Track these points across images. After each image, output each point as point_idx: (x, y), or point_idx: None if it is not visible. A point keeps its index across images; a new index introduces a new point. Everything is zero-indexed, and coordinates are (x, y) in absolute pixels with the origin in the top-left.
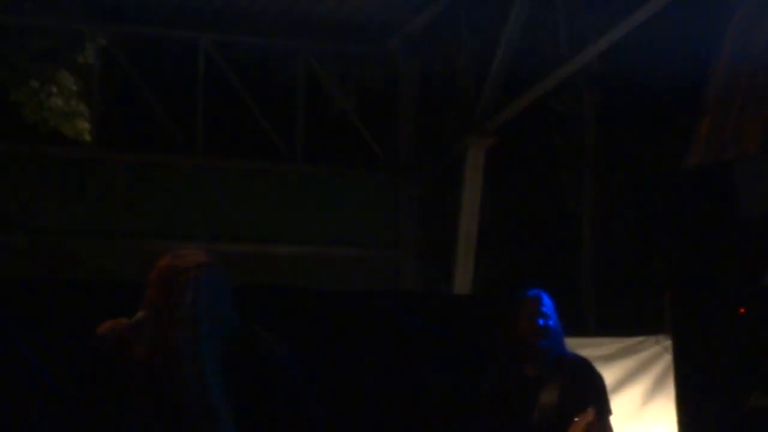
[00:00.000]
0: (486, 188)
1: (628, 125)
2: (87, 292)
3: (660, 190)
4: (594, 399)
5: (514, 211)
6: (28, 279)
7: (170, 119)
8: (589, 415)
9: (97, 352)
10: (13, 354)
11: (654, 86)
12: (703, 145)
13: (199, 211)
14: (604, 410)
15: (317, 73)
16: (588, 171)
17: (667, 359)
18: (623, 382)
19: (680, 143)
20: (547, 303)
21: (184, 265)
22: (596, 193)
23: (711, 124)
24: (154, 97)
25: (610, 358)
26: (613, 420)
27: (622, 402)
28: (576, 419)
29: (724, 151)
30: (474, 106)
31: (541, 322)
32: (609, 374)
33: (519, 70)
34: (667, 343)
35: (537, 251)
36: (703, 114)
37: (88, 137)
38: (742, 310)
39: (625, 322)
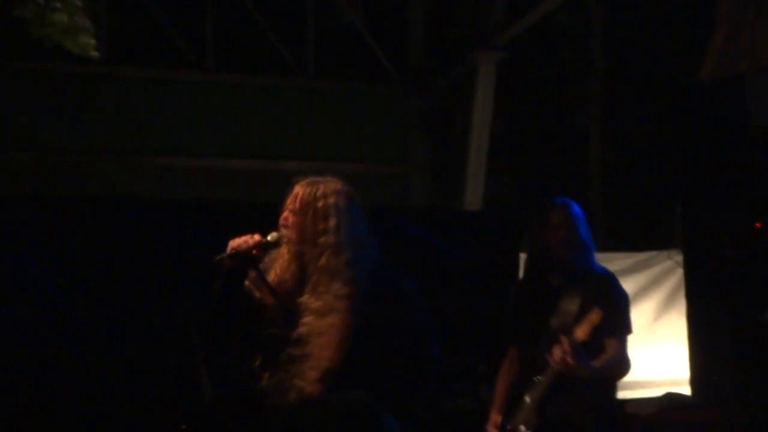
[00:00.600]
0: (495, 103)
1: (637, 38)
2: (98, 209)
3: (671, 104)
4: (612, 312)
5: (522, 125)
6: (37, 196)
7: (179, 35)
8: (594, 315)
9: (229, 265)
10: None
11: None
12: (716, 58)
13: (208, 127)
14: (620, 325)
15: None
16: (596, 85)
17: (679, 274)
18: (635, 297)
19: (690, 56)
20: (575, 213)
21: (324, 191)
22: (605, 107)
23: (724, 36)
24: (163, 13)
25: (621, 273)
26: None
27: (634, 317)
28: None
29: (737, 65)
30: (485, 20)
31: (565, 232)
32: None
33: None
34: (679, 257)
35: (546, 166)
36: (716, 26)
37: (94, 53)
38: (758, 225)
39: (635, 236)
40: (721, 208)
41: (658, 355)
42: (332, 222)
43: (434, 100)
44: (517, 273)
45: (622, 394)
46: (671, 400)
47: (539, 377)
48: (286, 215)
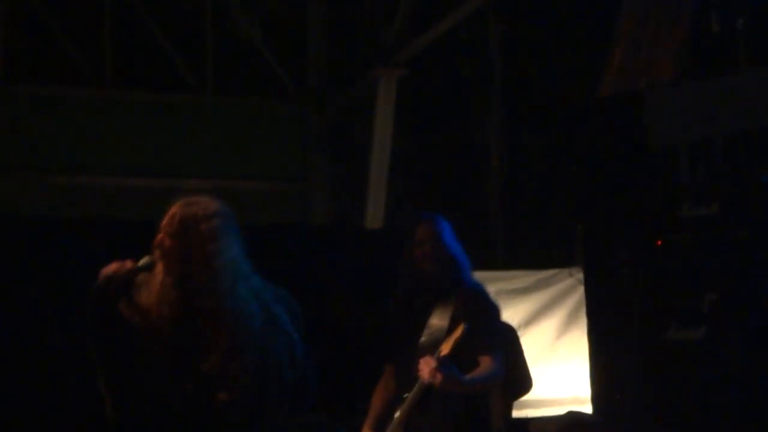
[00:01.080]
0: (396, 120)
1: (537, 54)
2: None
3: (570, 120)
4: (480, 326)
5: (422, 142)
6: None
7: (78, 51)
8: (458, 330)
9: (102, 294)
10: None
11: (563, 14)
12: (615, 74)
13: (106, 145)
14: (489, 339)
15: (224, 1)
16: (495, 101)
17: (581, 291)
18: (537, 315)
19: (589, 73)
20: (441, 227)
21: (204, 213)
22: (504, 124)
23: (623, 53)
24: (61, 29)
25: (523, 291)
26: (528, 352)
27: (537, 335)
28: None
29: (636, 81)
30: (385, 37)
31: (431, 247)
32: (523, 307)
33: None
34: (581, 275)
35: (446, 183)
36: (615, 43)
37: None
38: (659, 242)
39: (535, 254)
40: (622, 226)
41: (561, 373)
42: (217, 244)
43: (335, 117)
44: None
45: (525, 413)
46: (573, 418)
47: (407, 394)
48: (162, 237)
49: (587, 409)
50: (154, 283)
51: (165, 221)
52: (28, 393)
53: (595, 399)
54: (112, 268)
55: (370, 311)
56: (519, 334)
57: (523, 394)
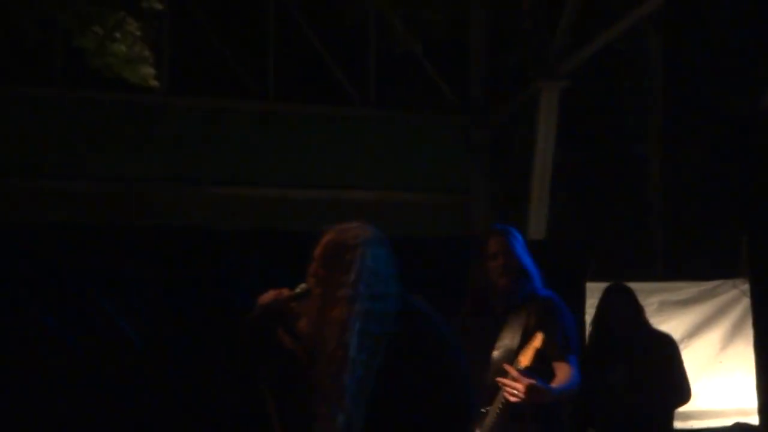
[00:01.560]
0: (556, 132)
1: (696, 66)
2: (161, 238)
3: (733, 132)
4: (554, 335)
5: (582, 155)
6: (99, 226)
7: (241, 64)
8: (536, 340)
9: (258, 323)
10: (89, 301)
11: (723, 26)
12: None
13: (270, 158)
14: (565, 347)
15: (387, 15)
16: (655, 114)
17: (746, 303)
18: (700, 327)
19: (749, 85)
20: (513, 239)
21: (350, 241)
22: (663, 136)
23: None
24: (225, 42)
25: (686, 303)
26: (692, 364)
27: (700, 347)
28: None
29: None
30: (547, 48)
31: (503, 259)
32: (686, 318)
33: (589, 11)
34: (745, 286)
35: (606, 196)
36: None
37: (153, 83)
38: None
39: (696, 266)
40: None
41: (726, 384)
42: (353, 275)
43: (496, 129)
44: (583, 302)
45: (690, 424)
46: (741, 430)
47: (487, 408)
48: (315, 266)
49: (752, 420)
50: (312, 310)
51: (317, 249)
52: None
53: (763, 410)
54: (269, 296)
55: None
56: (683, 345)
57: (682, 404)
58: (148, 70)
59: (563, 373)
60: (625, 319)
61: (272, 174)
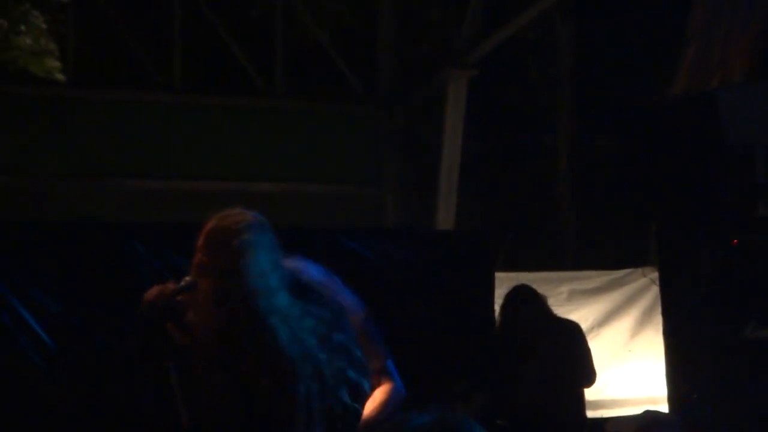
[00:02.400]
0: (465, 122)
1: (606, 55)
2: (69, 234)
3: (643, 120)
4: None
5: (492, 144)
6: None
7: (147, 56)
8: None
9: (148, 318)
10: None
11: (633, 14)
12: (687, 73)
13: (177, 149)
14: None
15: (294, 5)
16: (564, 102)
17: (655, 291)
18: (610, 316)
19: (660, 72)
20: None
21: (233, 228)
22: (573, 125)
23: (695, 52)
24: (130, 34)
25: (596, 292)
26: (602, 353)
27: (610, 335)
28: None
29: (709, 80)
30: (454, 38)
31: None
32: (596, 307)
33: (497, 0)
34: (654, 275)
35: (516, 185)
36: (687, 42)
37: (59, 76)
38: (735, 242)
39: (606, 255)
40: (697, 225)
41: (636, 373)
42: (247, 259)
43: (405, 119)
44: (492, 292)
45: (600, 413)
46: (651, 417)
47: None
48: (199, 256)
49: (662, 408)
50: (198, 302)
51: (200, 240)
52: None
53: (672, 398)
54: (153, 292)
55: (445, 314)
56: (593, 334)
57: (588, 386)
58: (54, 63)
59: (382, 392)
60: (534, 328)
61: (181, 166)
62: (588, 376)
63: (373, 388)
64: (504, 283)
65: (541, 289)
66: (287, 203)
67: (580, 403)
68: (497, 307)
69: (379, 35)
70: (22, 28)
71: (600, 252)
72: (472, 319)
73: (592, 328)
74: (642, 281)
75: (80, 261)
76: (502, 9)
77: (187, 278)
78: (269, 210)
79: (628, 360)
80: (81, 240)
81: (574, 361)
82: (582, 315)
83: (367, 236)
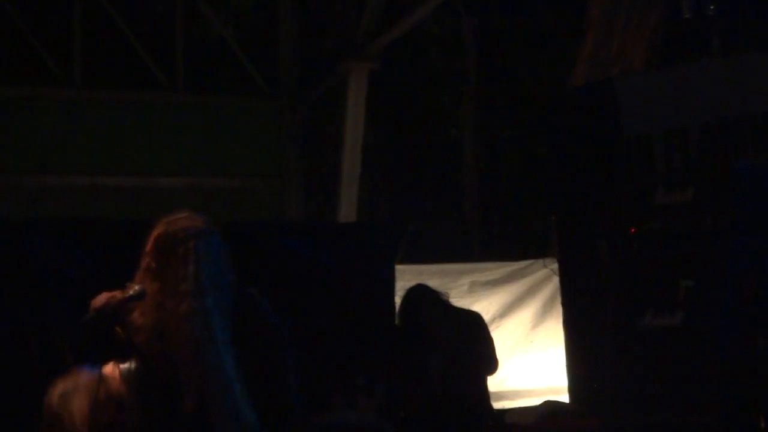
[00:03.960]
0: (368, 115)
1: (509, 47)
2: None
3: (543, 112)
4: None
5: (396, 136)
6: None
7: (47, 51)
8: None
9: (94, 325)
10: None
11: (535, 5)
12: (587, 64)
13: (78, 145)
14: None
15: (195, 0)
16: (468, 95)
17: (556, 282)
18: (511, 307)
19: (561, 63)
20: None
21: (181, 234)
22: (478, 117)
23: (594, 42)
24: (30, 29)
25: (497, 283)
26: (504, 343)
27: (511, 326)
28: None
29: (608, 69)
30: (355, 29)
31: None
32: (497, 298)
33: None
34: (555, 265)
35: (421, 177)
36: (587, 32)
37: None
38: (633, 230)
39: (511, 246)
40: (596, 214)
41: (537, 363)
42: (191, 267)
43: (307, 113)
44: (393, 284)
45: (502, 404)
46: (550, 408)
47: None
48: (147, 262)
49: (564, 399)
50: (148, 306)
51: (148, 245)
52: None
53: (572, 388)
54: (101, 300)
55: (347, 306)
56: (494, 325)
57: (491, 373)
58: None
59: None
60: (435, 319)
61: (82, 162)
62: (490, 364)
63: None
64: (405, 275)
65: (443, 281)
66: (190, 197)
67: (485, 392)
68: (398, 299)
69: (281, 29)
70: None
71: (505, 243)
72: (373, 311)
73: (493, 320)
74: (543, 272)
75: None
76: (404, 1)
77: (136, 287)
78: (172, 204)
79: (530, 351)
80: None
81: (476, 350)
82: (483, 306)
83: (268, 229)
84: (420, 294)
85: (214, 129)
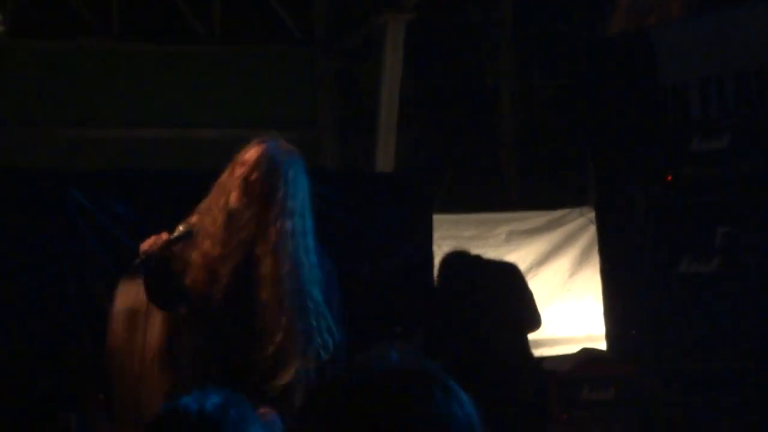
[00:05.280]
0: (405, 63)
1: None
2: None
3: (579, 60)
4: None
5: (432, 86)
6: None
7: (84, 4)
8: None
9: (147, 267)
10: None
11: None
12: (624, 12)
13: (118, 97)
14: None
15: None
16: (506, 44)
17: (593, 230)
18: (549, 255)
19: (600, 13)
20: None
21: (287, 157)
22: (515, 67)
23: None
24: None
25: (535, 232)
26: (541, 292)
27: (549, 275)
28: None
29: (645, 18)
30: None
31: None
32: (535, 247)
33: None
34: (592, 214)
35: (458, 127)
36: None
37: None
38: (669, 178)
39: (549, 195)
40: (632, 162)
41: (575, 311)
42: (282, 190)
43: (343, 62)
44: (430, 233)
45: (540, 351)
46: (587, 355)
47: None
48: (245, 172)
49: (601, 346)
50: (196, 250)
51: (252, 156)
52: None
53: (609, 336)
54: (148, 243)
55: (383, 254)
56: (532, 274)
57: (534, 329)
58: None
59: None
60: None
61: (120, 114)
62: (532, 320)
63: None
64: (444, 224)
65: (480, 231)
66: (226, 148)
67: (525, 347)
68: (437, 248)
69: None
70: None
71: (543, 191)
72: (410, 259)
73: (531, 268)
74: (580, 221)
75: (18, 208)
76: None
77: (180, 227)
78: (210, 155)
79: (567, 299)
80: (18, 187)
81: (514, 307)
82: (521, 255)
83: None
84: (457, 259)
85: (249, 79)
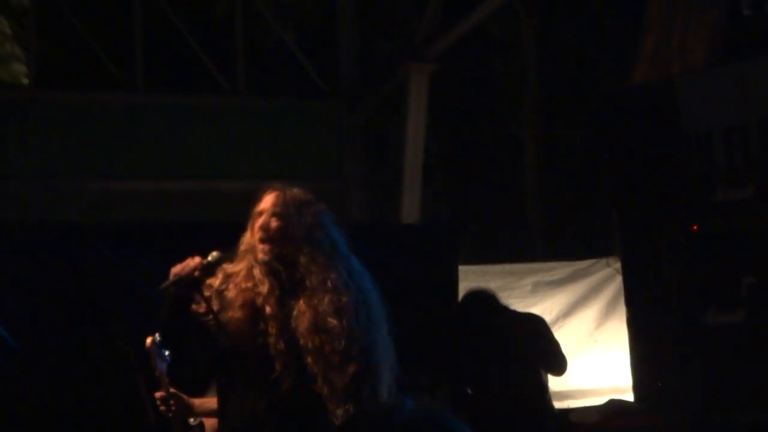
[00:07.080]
0: (428, 116)
1: (569, 46)
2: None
3: (604, 109)
4: None
5: (456, 139)
6: None
7: (109, 57)
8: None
9: (172, 294)
10: None
11: (594, 5)
12: (648, 62)
13: (142, 149)
14: None
15: (255, 4)
16: (529, 96)
17: (619, 281)
18: (575, 306)
19: (622, 64)
20: None
21: (306, 197)
22: (538, 117)
23: (655, 40)
24: (92, 36)
25: (560, 283)
26: (567, 343)
27: (575, 326)
28: None
29: (669, 68)
30: (415, 32)
31: None
32: (561, 298)
33: None
34: (618, 264)
35: (482, 179)
36: (647, 30)
37: (25, 80)
38: (696, 228)
39: (573, 246)
40: (657, 213)
41: (601, 363)
42: (323, 229)
43: (368, 114)
44: (456, 285)
45: (567, 404)
46: (615, 406)
47: None
48: (266, 220)
49: (628, 398)
50: (243, 276)
51: (268, 204)
52: (67, 400)
53: (637, 386)
54: (180, 266)
55: (410, 305)
56: (558, 325)
57: (560, 373)
58: (20, 68)
59: None
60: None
61: (145, 166)
62: (557, 363)
63: None
64: (469, 275)
65: (506, 282)
66: (251, 200)
67: (545, 393)
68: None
69: (341, 31)
70: None
71: (567, 243)
72: (436, 311)
73: (557, 320)
74: (606, 271)
75: (44, 262)
76: (464, 3)
77: (214, 253)
78: (234, 208)
79: (594, 350)
80: (45, 241)
81: (536, 351)
82: (547, 306)
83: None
84: (478, 296)
85: (274, 131)
